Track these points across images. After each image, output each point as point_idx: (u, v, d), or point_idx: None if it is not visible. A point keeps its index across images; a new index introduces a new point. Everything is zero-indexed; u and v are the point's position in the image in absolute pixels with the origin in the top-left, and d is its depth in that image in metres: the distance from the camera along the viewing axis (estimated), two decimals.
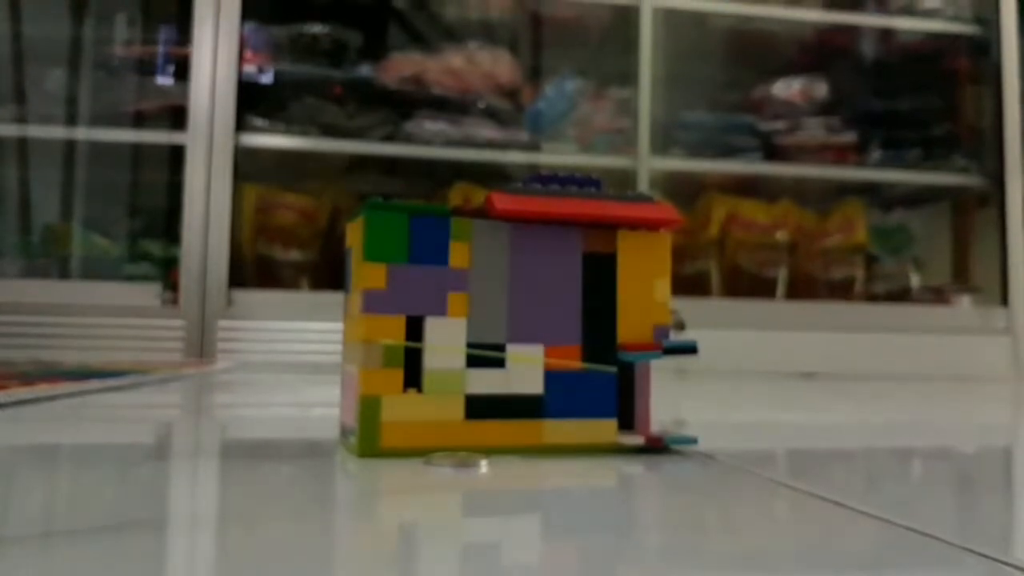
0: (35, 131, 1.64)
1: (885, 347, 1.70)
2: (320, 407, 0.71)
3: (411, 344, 0.39)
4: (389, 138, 1.68)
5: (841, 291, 1.82)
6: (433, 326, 0.40)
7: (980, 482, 0.38)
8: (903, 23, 1.88)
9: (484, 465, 0.37)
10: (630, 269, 0.43)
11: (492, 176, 1.70)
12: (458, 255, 0.40)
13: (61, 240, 1.66)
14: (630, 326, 0.43)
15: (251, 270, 1.67)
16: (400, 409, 0.39)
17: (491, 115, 1.73)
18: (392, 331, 0.39)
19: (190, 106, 1.55)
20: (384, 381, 0.39)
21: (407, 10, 1.81)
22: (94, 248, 1.65)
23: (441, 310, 0.40)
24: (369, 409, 0.38)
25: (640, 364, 0.44)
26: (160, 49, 1.68)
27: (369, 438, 0.38)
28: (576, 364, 0.42)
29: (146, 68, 1.67)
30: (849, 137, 1.82)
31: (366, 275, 0.39)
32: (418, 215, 0.40)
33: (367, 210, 0.40)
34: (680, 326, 1.55)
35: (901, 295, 1.87)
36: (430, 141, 1.67)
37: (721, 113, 1.84)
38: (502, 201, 0.41)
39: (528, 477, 0.35)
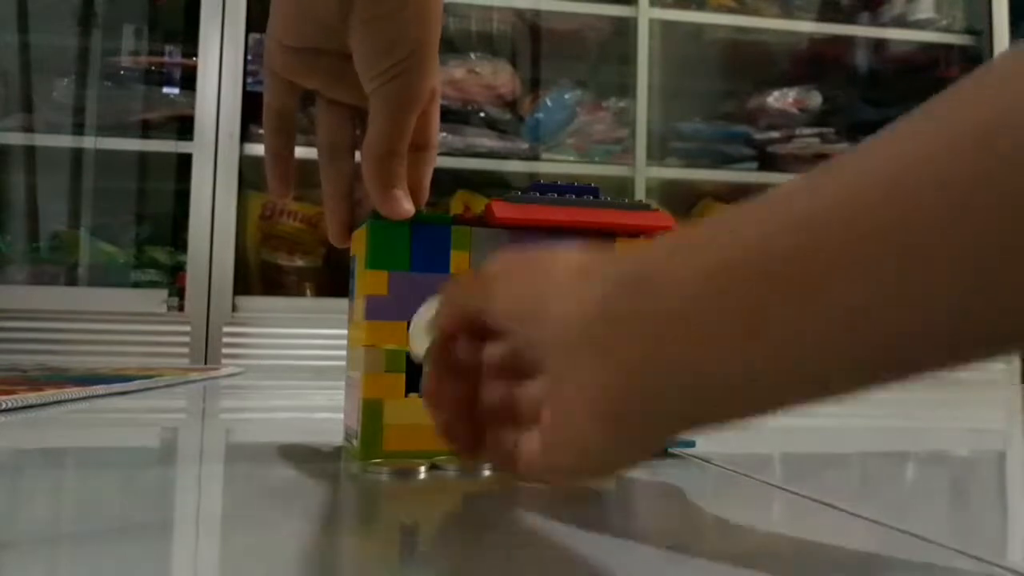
0: (43, 140, 1.65)
1: None
2: (324, 412, 0.71)
3: None
4: None
5: None
6: None
7: (974, 486, 0.38)
8: (896, 34, 1.89)
9: (485, 469, 0.37)
10: None
11: (492, 185, 1.70)
12: (459, 262, 0.40)
13: (69, 247, 1.66)
14: None
15: (256, 277, 1.68)
16: (402, 413, 0.39)
17: (491, 125, 1.74)
18: (394, 337, 0.39)
19: (196, 116, 1.56)
20: (386, 386, 0.39)
21: None
22: (101, 255, 1.66)
23: None
24: (371, 413, 0.38)
25: None
26: (167, 60, 1.69)
27: (371, 442, 0.38)
28: None
29: (153, 78, 1.68)
30: (843, 146, 1.82)
31: (369, 282, 0.39)
32: (420, 223, 0.40)
33: (370, 219, 0.40)
34: None
35: None
36: None
37: (717, 123, 1.85)
38: (502, 209, 0.41)
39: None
